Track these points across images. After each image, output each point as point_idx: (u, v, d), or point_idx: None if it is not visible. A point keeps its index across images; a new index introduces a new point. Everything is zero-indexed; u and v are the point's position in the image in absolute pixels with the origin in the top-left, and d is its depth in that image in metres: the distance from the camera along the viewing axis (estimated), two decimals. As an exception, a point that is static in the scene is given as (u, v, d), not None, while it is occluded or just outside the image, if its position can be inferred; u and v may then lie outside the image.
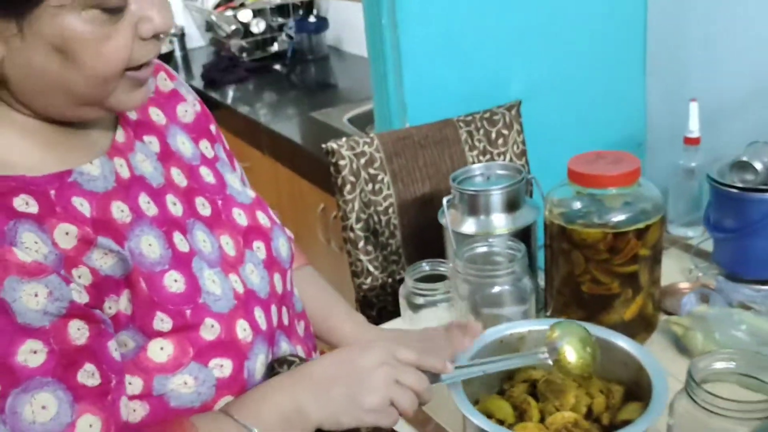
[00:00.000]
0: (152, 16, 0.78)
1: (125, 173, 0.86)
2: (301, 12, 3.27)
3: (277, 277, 0.97)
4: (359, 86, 2.72)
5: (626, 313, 1.20)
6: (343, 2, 3.16)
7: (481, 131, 1.63)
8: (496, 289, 1.15)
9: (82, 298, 0.76)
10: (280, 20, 3.29)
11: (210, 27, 3.25)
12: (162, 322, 0.82)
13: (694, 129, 1.55)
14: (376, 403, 0.84)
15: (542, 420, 0.97)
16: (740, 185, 1.33)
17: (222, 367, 0.84)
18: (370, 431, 0.89)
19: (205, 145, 1.01)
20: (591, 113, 1.85)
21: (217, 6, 3.37)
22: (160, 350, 0.81)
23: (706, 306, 1.25)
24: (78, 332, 0.75)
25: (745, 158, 1.33)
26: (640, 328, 1.22)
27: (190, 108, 1.01)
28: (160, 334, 0.81)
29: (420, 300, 1.26)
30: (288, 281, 1.01)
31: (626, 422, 0.89)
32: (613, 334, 1.02)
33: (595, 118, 1.86)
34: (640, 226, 1.16)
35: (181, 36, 3.44)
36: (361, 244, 1.55)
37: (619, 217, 1.16)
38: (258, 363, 0.87)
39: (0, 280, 0.70)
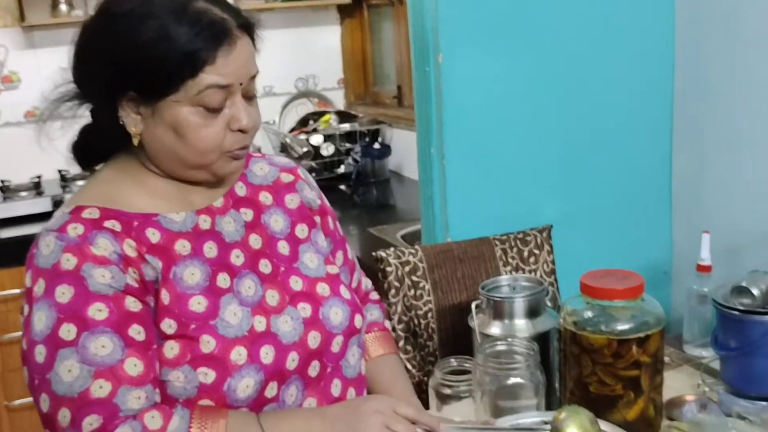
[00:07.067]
0: (240, 117, 1.12)
1: (205, 226, 1.19)
2: (367, 139, 3.57)
3: (314, 334, 1.19)
4: (415, 207, 2.94)
5: (629, 414, 1.35)
6: (405, 131, 3.45)
7: (515, 250, 1.83)
8: (512, 380, 1.32)
9: (135, 284, 1.08)
10: (348, 145, 3.58)
11: (284, 148, 3.56)
12: (169, 327, 1.10)
13: (705, 258, 1.73)
14: None
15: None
16: (740, 308, 1.48)
17: (207, 375, 1.08)
18: None
19: (301, 227, 1.30)
20: (619, 241, 2.04)
21: (292, 130, 3.70)
22: (170, 349, 1.09)
23: (704, 414, 1.39)
24: (133, 304, 1.07)
25: (744, 284, 1.49)
26: (642, 429, 1.36)
27: (296, 199, 1.32)
28: (168, 336, 1.09)
29: (447, 391, 1.42)
30: (334, 344, 1.22)
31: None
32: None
33: (623, 247, 2.05)
34: (641, 335, 1.33)
35: (258, 155, 3.76)
36: (401, 343, 1.74)
37: (623, 327, 1.34)
38: (242, 383, 1.09)
39: (80, 264, 1.06)
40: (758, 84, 1.83)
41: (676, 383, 1.59)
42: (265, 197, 1.29)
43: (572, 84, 1.94)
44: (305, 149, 3.45)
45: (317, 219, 1.34)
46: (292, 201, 1.31)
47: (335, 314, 1.23)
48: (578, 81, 1.94)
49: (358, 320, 1.27)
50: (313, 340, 1.19)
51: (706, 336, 1.74)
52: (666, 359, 1.63)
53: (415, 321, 1.74)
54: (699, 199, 2.03)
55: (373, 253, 1.74)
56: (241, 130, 1.12)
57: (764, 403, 1.44)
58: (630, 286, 1.35)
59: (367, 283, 1.51)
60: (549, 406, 1.40)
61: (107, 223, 1.10)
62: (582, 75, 1.94)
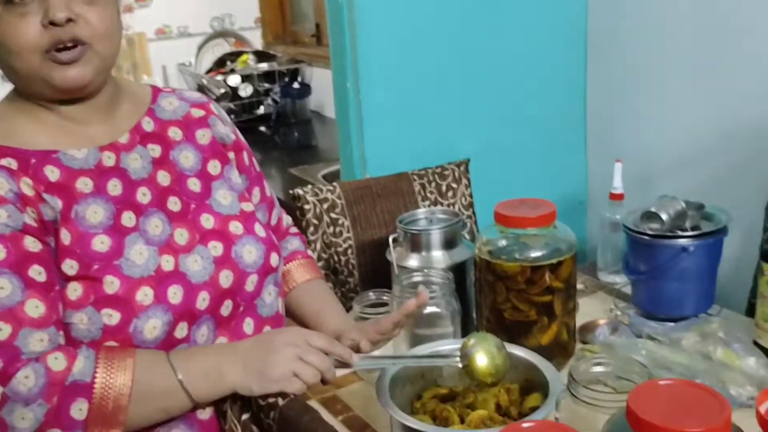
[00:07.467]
0: (48, 10, 1.03)
1: (109, 163, 1.14)
2: (286, 78, 3.50)
3: (226, 273, 1.17)
4: (336, 147, 2.92)
5: (543, 339, 1.38)
6: (325, 71, 3.39)
7: (433, 184, 1.83)
8: (428, 310, 1.33)
9: (33, 224, 1.04)
10: (267, 85, 3.52)
11: (201, 90, 3.48)
12: (71, 268, 1.06)
13: (617, 186, 1.76)
14: (279, 374, 1.06)
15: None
16: (650, 233, 1.52)
17: (111, 317, 1.05)
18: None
19: (214, 164, 1.26)
20: (536, 173, 2.07)
21: (209, 71, 3.61)
22: (73, 291, 1.06)
23: (616, 336, 1.44)
24: (32, 244, 1.04)
25: (653, 209, 1.52)
26: (556, 353, 1.39)
27: (208, 134, 1.27)
28: (70, 277, 1.06)
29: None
30: (248, 282, 1.20)
31: (534, 408, 1.07)
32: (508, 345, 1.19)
33: (540, 178, 2.08)
34: (554, 261, 1.35)
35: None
36: (321, 280, 1.73)
37: (536, 254, 1.35)
38: (149, 324, 1.07)
39: None
40: (669, 16, 1.86)
41: (590, 309, 1.63)
42: (174, 133, 1.24)
43: (488, 17, 1.93)
44: (222, 90, 3.38)
45: (231, 155, 1.31)
46: (203, 136, 1.27)
47: (249, 252, 1.21)
48: (495, 14, 1.93)
49: (273, 259, 1.25)
50: (225, 279, 1.17)
51: (619, 263, 1.78)
52: (581, 286, 1.68)
53: (335, 258, 1.74)
54: (612, 129, 2.07)
55: (291, 191, 1.72)
56: (52, 23, 1.04)
57: (672, 324, 1.49)
58: (542, 214, 1.37)
59: (288, 219, 1.49)
60: (466, 334, 1.42)
61: (3, 161, 1.05)
62: (498, 8, 1.93)
